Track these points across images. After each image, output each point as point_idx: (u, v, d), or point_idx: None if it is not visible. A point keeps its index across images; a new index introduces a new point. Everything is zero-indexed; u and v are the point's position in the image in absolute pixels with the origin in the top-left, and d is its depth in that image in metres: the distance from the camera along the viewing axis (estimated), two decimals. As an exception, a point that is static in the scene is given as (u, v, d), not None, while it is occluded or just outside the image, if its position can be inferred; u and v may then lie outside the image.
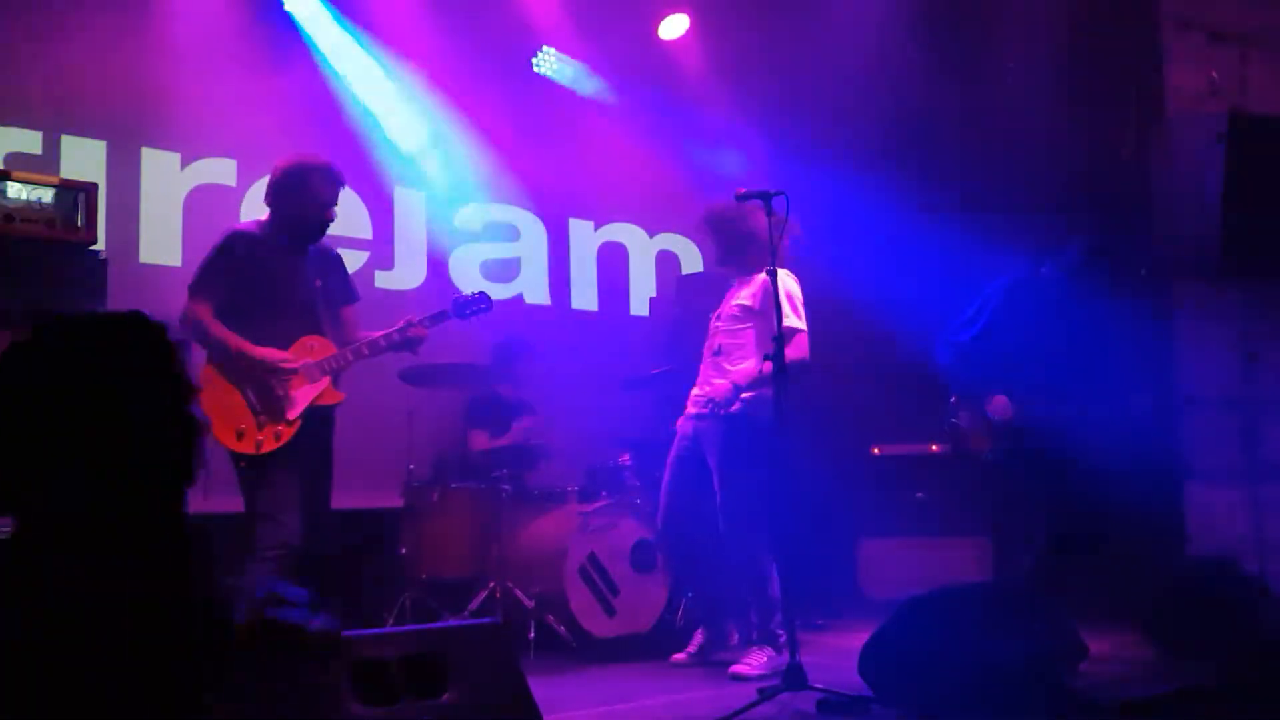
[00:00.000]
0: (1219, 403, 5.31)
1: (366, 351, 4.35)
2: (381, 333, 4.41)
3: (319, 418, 4.26)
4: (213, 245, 4.27)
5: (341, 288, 4.52)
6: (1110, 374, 5.53)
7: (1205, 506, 5.73)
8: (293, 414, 4.15)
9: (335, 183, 4.35)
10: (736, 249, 4.93)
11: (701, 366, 5.05)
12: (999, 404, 4.92)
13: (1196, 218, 5.39)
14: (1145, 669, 4.44)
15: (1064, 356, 4.93)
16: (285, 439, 4.12)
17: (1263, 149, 5.36)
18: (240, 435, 4.08)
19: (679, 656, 5.00)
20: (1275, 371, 5.68)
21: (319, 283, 4.37)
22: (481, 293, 4.71)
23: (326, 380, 4.27)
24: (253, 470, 4.10)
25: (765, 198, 4.38)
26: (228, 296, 4.18)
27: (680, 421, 5.05)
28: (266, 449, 4.09)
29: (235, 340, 4.12)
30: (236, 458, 4.10)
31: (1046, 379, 4.87)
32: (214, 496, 4.10)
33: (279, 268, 4.27)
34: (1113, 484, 5.82)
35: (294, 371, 4.16)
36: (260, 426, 4.11)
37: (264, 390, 4.13)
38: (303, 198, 4.28)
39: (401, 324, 4.45)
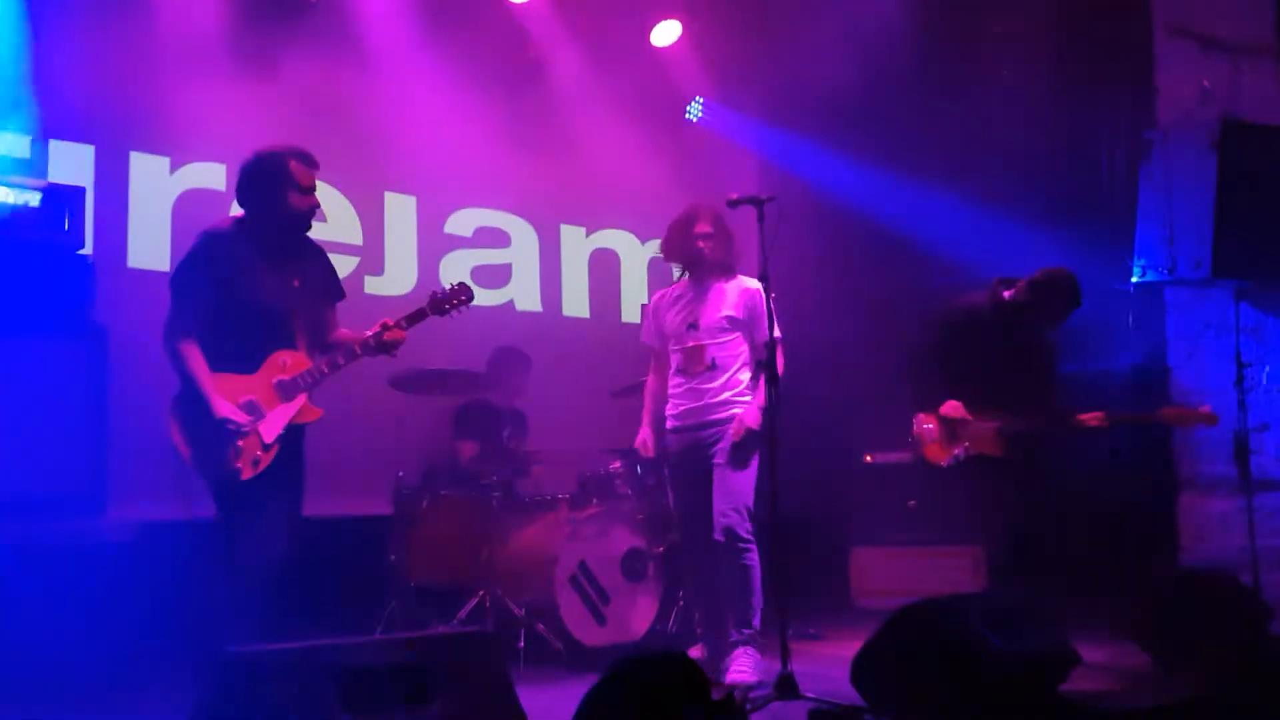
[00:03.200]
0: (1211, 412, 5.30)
1: (341, 362, 4.16)
2: (358, 340, 4.21)
3: (294, 436, 4.10)
4: (188, 251, 4.07)
5: (324, 284, 4.30)
6: (1095, 386, 5.54)
7: (1198, 516, 5.73)
8: (270, 437, 4.00)
9: (311, 164, 4.11)
10: (727, 257, 4.89)
11: (682, 380, 4.89)
12: (951, 406, 4.94)
13: (1189, 225, 5.39)
14: (1139, 679, 4.42)
15: (1032, 372, 4.95)
16: (264, 464, 3.98)
17: (1255, 156, 5.36)
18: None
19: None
20: (1267, 379, 5.67)
21: (297, 283, 4.16)
22: (460, 283, 4.48)
23: (303, 398, 4.09)
24: (236, 492, 3.95)
25: (757, 203, 4.37)
26: (206, 308, 4.00)
27: (671, 438, 4.91)
28: (245, 476, 3.95)
29: (206, 386, 3.93)
30: (216, 486, 3.98)
31: (1012, 395, 4.88)
32: (198, 504, 4.07)
33: (255, 273, 4.06)
34: (1100, 493, 5.83)
35: (247, 429, 3.96)
36: (237, 455, 3.95)
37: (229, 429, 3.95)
38: (281, 185, 4.05)
39: (377, 327, 4.24)
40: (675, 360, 4.95)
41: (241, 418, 3.95)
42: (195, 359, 3.95)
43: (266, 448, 3.98)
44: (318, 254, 4.32)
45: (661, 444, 4.99)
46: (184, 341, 3.96)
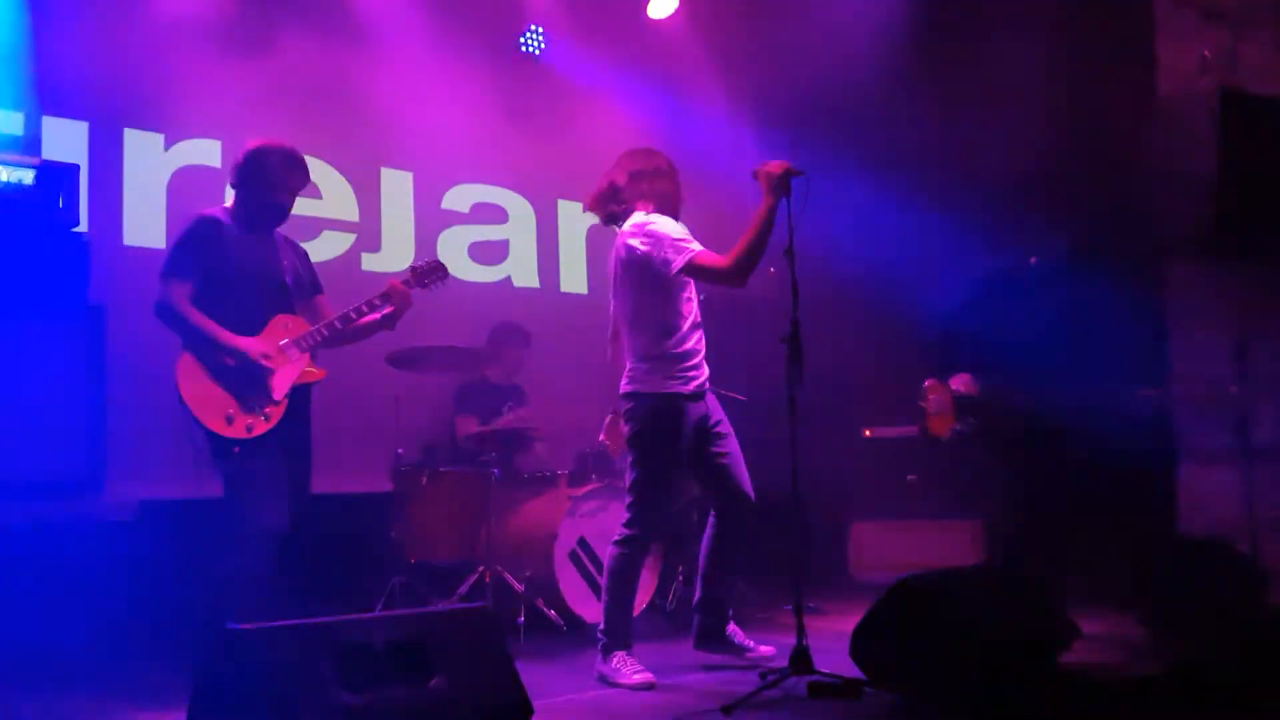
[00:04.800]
0: (1211, 382, 5.28)
1: (339, 325, 4.31)
2: (353, 308, 4.34)
3: (301, 396, 4.25)
4: (181, 231, 4.25)
5: (310, 279, 4.49)
6: (1099, 356, 5.52)
7: (1197, 486, 5.72)
8: (278, 394, 4.14)
9: (295, 164, 4.32)
10: None
11: (696, 337, 4.56)
12: (962, 379, 4.92)
13: (1189, 197, 5.37)
14: (1138, 650, 4.43)
15: (1046, 341, 4.93)
16: (275, 420, 4.12)
17: (1256, 128, 5.32)
18: (230, 420, 4.06)
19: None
20: (1268, 351, 5.65)
21: (287, 263, 4.36)
22: (435, 261, 4.59)
23: (305, 358, 4.26)
24: (245, 454, 4.06)
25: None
26: (201, 280, 4.14)
27: (695, 404, 4.49)
28: (258, 431, 4.08)
29: (213, 328, 4.08)
30: (228, 444, 4.05)
31: (1024, 362, 4.86)
32: (198, 482, 4.07)
33: (248, 250, 4.25)
34: (1101, 464, 5.83)
35: (270, 365, 4.13)
36: (248, 410, 4.08)
37: (246, 374, 4.10)
38: (263, 180, 4.26)
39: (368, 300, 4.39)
40: (694, 311, 4.58)
41: (270, 349, 4.16)
42: (198, 314, 4.10)
43: (276, 403, 4.14)
44: (304, 254, 4.54)
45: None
46: (183, 304, 4.09)
